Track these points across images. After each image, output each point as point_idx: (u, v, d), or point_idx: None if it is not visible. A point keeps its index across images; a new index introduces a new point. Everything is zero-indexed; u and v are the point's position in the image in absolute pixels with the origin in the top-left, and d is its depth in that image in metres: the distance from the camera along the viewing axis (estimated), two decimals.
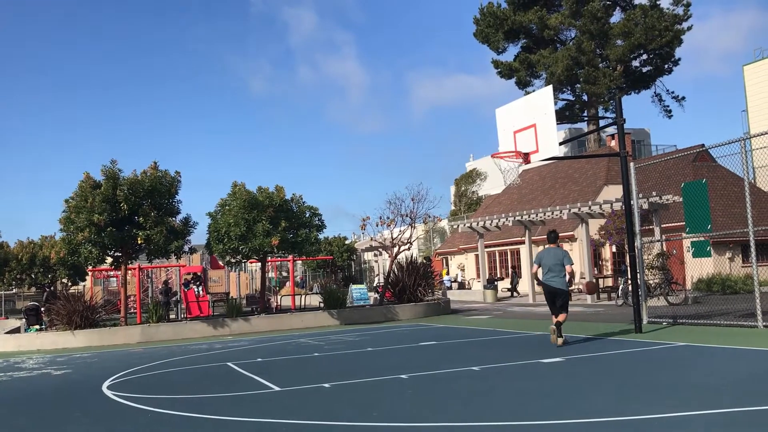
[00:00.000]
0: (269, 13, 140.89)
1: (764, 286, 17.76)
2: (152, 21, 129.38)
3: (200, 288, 21.99)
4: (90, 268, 21.78)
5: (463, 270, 40.57)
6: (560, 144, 13.84)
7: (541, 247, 33.59)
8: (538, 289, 29.84)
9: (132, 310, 23.35)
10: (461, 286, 37.37)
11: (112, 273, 27.70)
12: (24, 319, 19.96)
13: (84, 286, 31.48)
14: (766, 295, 14.55)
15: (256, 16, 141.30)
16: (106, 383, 10.11)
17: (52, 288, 31.55)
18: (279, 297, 27.53)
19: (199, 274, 22.92)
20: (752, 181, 28.65)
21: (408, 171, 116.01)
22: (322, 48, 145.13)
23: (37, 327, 18.78)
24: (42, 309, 19.79)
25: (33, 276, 32.55)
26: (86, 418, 7.58)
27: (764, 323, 12.50)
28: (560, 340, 11.25)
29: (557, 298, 11.39)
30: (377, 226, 23.66)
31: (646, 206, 21.15)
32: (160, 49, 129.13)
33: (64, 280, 33.36)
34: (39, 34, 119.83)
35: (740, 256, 26.76)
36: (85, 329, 17.58)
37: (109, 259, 19.15)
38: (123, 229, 17.86)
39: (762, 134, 13.29)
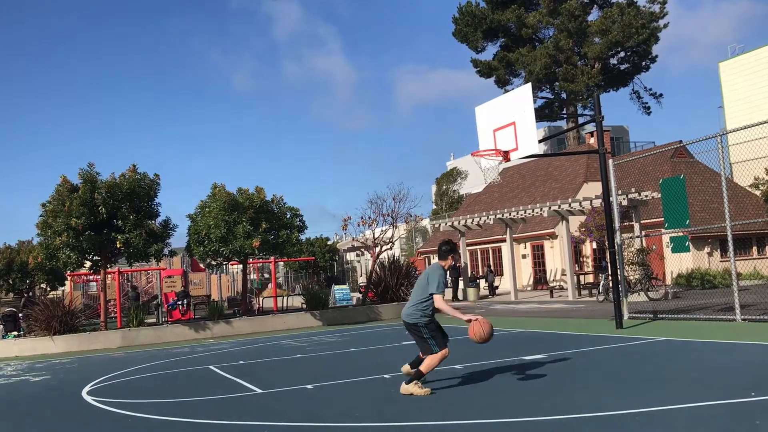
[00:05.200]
0: (250, 7, 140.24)
1: (742, 281, 17.97)
2: (127, 15, 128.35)
3: (184, 302, 21.91)
4: (69, 272, 21.54)
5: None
6: (540, 141, 13.90)
7: (523, 245, 33.79)
8: (519, 286, 29.84)
9: (112, 315, 23.11)
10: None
11: (91, 277, 27.41)
12: (1, 326, 19.68)
13: (63, 291, 31.13)
14: (744, 289, 14.72)
15: (236, 9, 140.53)
16: (86, 389, 9.99)
17: (30, 293, 31.16)
18: (261, 299, 27.39)
19: (186, 291, 22.81)
20: (729, 176, 28.96)
21: (390, 169, 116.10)
22: (306, 43, 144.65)
23: (15, 333, 18.51)
24: (20, 315, 19.51)
25: (11, 282, 32.13)
26: (65, 425, 7.48)
27: (742, 317, 12.63)
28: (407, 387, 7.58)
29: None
30: (359, 226, 23.64)
31: (625, 203, 21.30)
32: (136, 45, 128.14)
33: (43, 286, 32.98)
34: (8, 28, 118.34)
35: (718, 250, 27.03)
36: (64, 335, 17.36)
37: (88, 264, 18.94)
38: (101, 232, 17.66)
39: (738, 130, 13.43)
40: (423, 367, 7.49)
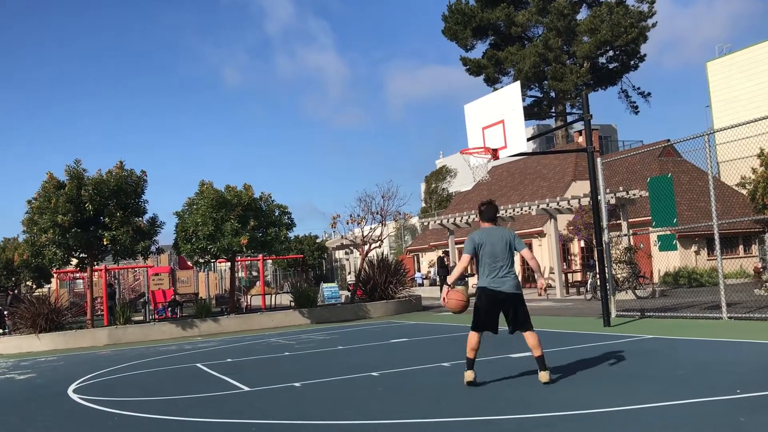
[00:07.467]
0: (241, 1, 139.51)
1: (729, 279, 18.08)
2: (117, 8, 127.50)
3: (176, 310, 21.87)
4: (55, 270, 21.38)
5: (433, 266, 40.66)
6: (528, 140, 13.93)
7: None
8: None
9: (99, 312, 22.97)
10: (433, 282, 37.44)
11: (77, 275, 27.24)
12: None
13: (49, 288, 30.90)
14: (730, 287, 14.81)
15: (228, 4, 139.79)
16: (72, 387, 9.92)
17: (16, 291, 30.91)
18: (249, 297, 27.32)
19: (175, 299, 22.78)
20: (716, 175, 29.10)
21: (380, 167, 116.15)
22: (297, 38, 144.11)
23: (0, 331, 18.38)
24: (5, 312, 19.36)
25: None
26: (50, 422, 7.41)
27: (729, 315, 12.71)
28: (546, 375, 7.37)
29: (511, 308, 7.26)
30: (348, 224, 23.61)
31: (613, 201, 21.37)
32: (126, 38, 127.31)
33: (29, 283, 32.72)
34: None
35: (705, 249, 27.19)
36: (50, 332, 17.24)
37: (75, 261, 18.82)
38: (88, 229, 17.54)
39: (725, 129, 13.49)
40: (540, 350, 7.46)
